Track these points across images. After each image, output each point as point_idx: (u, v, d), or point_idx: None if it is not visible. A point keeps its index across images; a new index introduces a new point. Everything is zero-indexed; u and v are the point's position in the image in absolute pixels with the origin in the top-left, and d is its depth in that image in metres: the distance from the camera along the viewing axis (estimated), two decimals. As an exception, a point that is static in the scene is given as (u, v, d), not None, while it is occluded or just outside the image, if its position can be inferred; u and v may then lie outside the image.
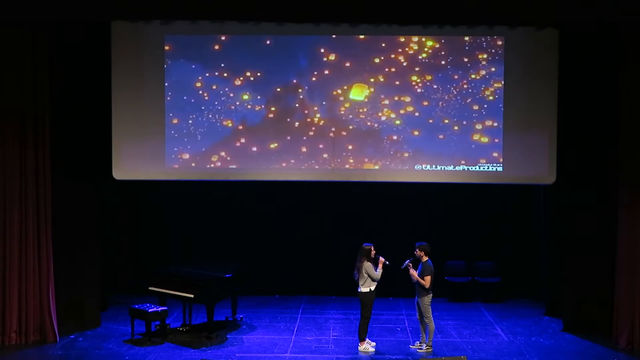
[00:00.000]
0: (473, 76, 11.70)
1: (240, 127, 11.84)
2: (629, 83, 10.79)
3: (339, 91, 11.77)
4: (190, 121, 11.82)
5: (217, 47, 11.71)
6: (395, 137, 11.80)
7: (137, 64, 11.68)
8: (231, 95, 11.79)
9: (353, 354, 10.61)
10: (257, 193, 13.27)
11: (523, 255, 13.86)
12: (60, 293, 11.24)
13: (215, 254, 12.80)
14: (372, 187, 12.76)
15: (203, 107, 11.82)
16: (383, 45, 11.67)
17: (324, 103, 11.80)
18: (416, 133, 11.79)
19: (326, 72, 11.75)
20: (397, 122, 11.78)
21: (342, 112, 11.80)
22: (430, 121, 11.76)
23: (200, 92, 11.81)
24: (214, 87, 11.79)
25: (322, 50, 11.71)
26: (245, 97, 11.79)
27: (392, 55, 11.69)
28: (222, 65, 11.76)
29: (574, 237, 11.57)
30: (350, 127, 11.81)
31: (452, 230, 13.67)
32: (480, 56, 11.66)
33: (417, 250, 10.66)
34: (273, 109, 11.83)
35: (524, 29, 11.42)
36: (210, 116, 11.83)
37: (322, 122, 11.83)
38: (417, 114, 11.76)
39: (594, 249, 11.45)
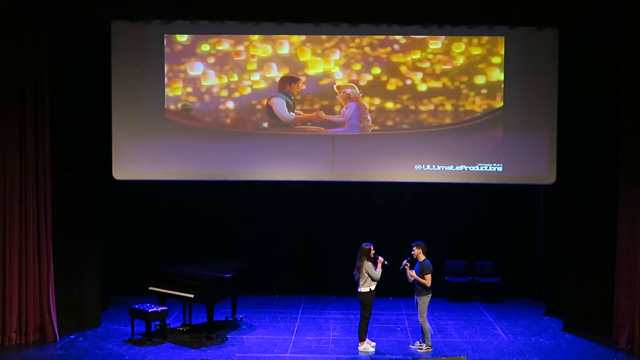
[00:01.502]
0: (473, 76, 11.69)
1: (239, 128, 11.85)
2: (629, 83, 10.78)
3: (341, 91, 11.79)
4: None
5: (218, 48, 11.75)
6: (395, 138, 11.79)
7: (137, 64, 11.69)
8: (229, 95, 11.80)
9: (353, 354, 10.61)
10: (257, 193, 13.28)
11: (523, 255, 13.87)
12: (60, 293, 11.24)
13: (215, 253, 12.80)
14: (372, 187, 12.76)
15: (203, 108, 11.84)
16: (383, 45, 11.67)
17: (324, 103, 11.79)
18: (416, 133, 11.78)
19: (327, 73, 11.74)
20: (395, 123, 11.78)
21: (342, 112, 11.80)
22: (431, 121, 11.76)
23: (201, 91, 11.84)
24: (214, 86, 11.80)
25: (322, 51, 11.73)
26: (244, 96, 11.82)
27: (392, 56, 11.69)
28: (223, 65, 11.78)
29: (574, 237, 11.56)
30: (350, 127, 11.82)
31: (452, 230, 13.67)
32: (479, 56, 11.66)
33: (414, 249, 10.67)
34: (273, 109, 11.83)
35: (524, 29, 11.41)
36: (209, 117, 11.85)
37: (323, 123, 11.83)
38: (417, 114, 11.75)
39: (593, 249, 11.46)
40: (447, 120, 11.76)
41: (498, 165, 11.76)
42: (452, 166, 11.82)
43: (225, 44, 11.74)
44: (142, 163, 11.89)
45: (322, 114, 11.79)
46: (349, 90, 11.77)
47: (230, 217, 13.72)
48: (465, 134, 11.75)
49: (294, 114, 11.78)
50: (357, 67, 11.72)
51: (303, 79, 11.74)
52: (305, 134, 11.84)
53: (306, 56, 11.74)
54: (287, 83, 11.75)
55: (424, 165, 11.85)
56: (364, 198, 13.45)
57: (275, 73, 11.76)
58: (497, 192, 13.31)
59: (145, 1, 10.66)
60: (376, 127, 11.80)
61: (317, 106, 11.78)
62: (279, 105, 11.77)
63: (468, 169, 11.81)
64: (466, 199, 13.45)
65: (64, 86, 11.17)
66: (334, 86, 11.77)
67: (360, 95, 11.77)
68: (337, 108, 11.79)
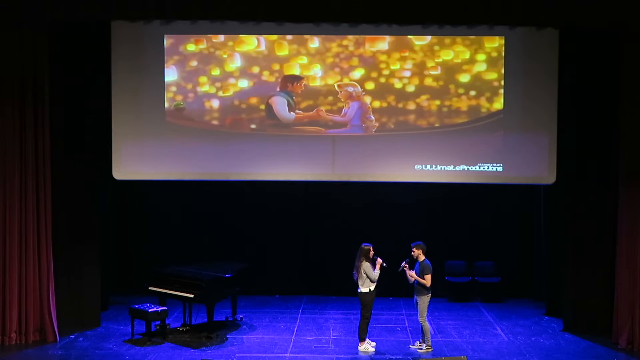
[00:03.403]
0: (473, 76, 11.69)
1: (239, 128, 11.85)
2: (629, 83, 10.78)
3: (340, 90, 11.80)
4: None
5: (219, 47, 11.76)
6: (395, 138, 11.79)
7: (137, 64, 11.70)
8: (229, 94, 11.81)
9: (353, 354, 10.61)
10: (257, 193, 13.28)
11: (523, 255, 13.86)
12: (60, 293, 11.24)
13: (216, 253, 12.79)
14: (371, 187, 12.76)
15: (199, 109, 11.84)
16: (383, 45, 11.67)
17: (323, 103, 11.79)
18: (416, 133, 11.78)
19: (326, 71, 11.75)
20: (395, 123, 11.78)
21: (343, 112, 11.80)
22: (428, 121, 11.76)
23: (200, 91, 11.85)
24: (214, 85, 11.81)
25: (322, 50, 11.73)
26: (246, 96, 11.82)
27: (391, 56, 11.69)
28: (223, 64, 11.79)
29: (574, 237, 11.56)
30: (352, 127, 11.81)
31: (452, 230, 13.67)
32: (479, 56, 11.66)
33: (414, 249, 10.66)
34: (273, 108, 11.83)
35: (524, 29, 11.42)
36: (208, 118, 11.85)
37: (322, 122, 11.83)
38: (416, 114, 11.75)
39: (593, 248, 11.46)
40: (448, 121, 11.75)
41: (498, 165, 11.77)
42: (452, 166, 11.82)
43: (215, 43, 11.74)
44: (142, 163, 11.90)
45: (323, 112, 11.78)
46: (350, 89, 11.76)
47: (230, 217, 13.71)
48: (465, 134, 11.75)
49: (294, 113, 11.77)
50: (354, 63, 11.73)
51: (304, 78, 11.75)
52: (305, 134, 11.84)
53: (298, 56, 11.75)
54: (289, 82, 11.75)
55: (424, 166, 11.86)
56: (364, 198, 13.43)
57: (272, 72, 11.79)
58: (497, 192, 13.31)
59: (145, 1, 10.67)
60: (378, 127, 11.80)
61: (308, 105, 11.77)
62: (279, 104, 11.77)
63: (468, 169, 11.81)
64: (466, 199, 13.44)
65: (64, 86, 11.16)
66: (335, 85, 11.77)
67: (363, 94, 11.76)
68: (328, 107, 11.78)
